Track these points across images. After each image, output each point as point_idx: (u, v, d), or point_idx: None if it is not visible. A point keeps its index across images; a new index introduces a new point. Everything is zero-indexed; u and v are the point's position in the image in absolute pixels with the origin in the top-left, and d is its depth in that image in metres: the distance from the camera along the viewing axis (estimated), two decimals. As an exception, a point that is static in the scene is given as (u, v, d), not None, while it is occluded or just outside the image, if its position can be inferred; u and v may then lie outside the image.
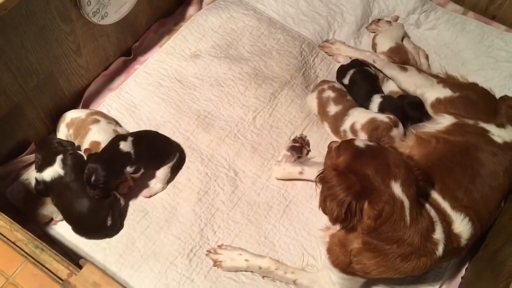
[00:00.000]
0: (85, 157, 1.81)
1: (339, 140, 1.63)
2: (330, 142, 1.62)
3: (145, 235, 1.84)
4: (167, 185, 1.94)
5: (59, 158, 1.80)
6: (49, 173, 1.78)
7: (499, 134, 1.79)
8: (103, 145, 1.82)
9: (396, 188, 1.38)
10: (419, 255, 1.47)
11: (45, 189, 1.79)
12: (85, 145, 1.84)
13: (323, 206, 1.42)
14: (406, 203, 1.39)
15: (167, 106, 2.14)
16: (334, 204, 1.37)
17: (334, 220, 1.41)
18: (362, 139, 1.51)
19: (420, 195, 1.51)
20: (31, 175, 1.88)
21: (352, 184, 1.35)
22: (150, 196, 1.92)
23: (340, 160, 1.43)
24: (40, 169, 1.81)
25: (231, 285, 1.75)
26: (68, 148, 1.86)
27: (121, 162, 1.78)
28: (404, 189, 1.38)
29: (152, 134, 1.97)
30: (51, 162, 1.79)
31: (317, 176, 1.51)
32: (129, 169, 1.80)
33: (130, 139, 1.81)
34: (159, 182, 1.92)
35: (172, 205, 1.91)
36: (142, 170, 1.86)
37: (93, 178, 1.70)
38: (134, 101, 2.16)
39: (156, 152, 1.90)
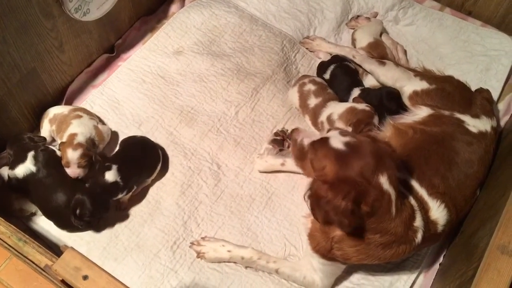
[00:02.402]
0: (59, 151, 1.83)
1: (301, 130, 1.60)
2: (292, 132, 1.59)
3: (128, 228, 1.85)
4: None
5: (30, 154, 1.80)
6: (21, 170, 1.78)
7: (474, 124, 1.84)
8: (79, 136, 1.82)
9: (384, 183, 1.39)
10: (400, 243, 1.51)
11: (18, 185, 1.79)
12: (64, 139, 1.85)
13: (327, 219, 1.39)
14: (393, 195, 1.42)
15: (151, 102, 2.16)
16: (341, 215, 1.35)
17: (348, 228, 1.40)
18: (336, 136, 1.44)
19: (400, 183, 1.54)
20: (4, 171, 1.86)
21: (348, 192, 1.34)
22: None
23: (326, 170, 1.39)
24: (12, 166, 1.80)
25: (215, 276, 1.77)
26: (40, 144, 1.86)
27: (109, 193, 1.77)
28: (390, 181, 1.40)
29: (136, 148, 1.92)
30: (22, 159, 1.79)
31: (305, 194, 1.47)
32: (121, 195, 1.80)
33: (114, 167, 1.77)
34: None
35: (156, 198, 1.93)
36: (135, 188, 1.85)
37: (78, 211, 1.70)
38: (117, 97, 2.18)
39: (144, 165, 1.88)
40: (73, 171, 1.81)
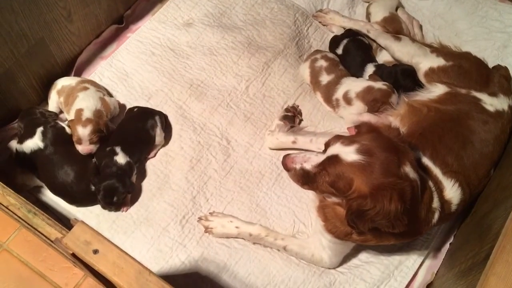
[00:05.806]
0: (68, 128, 1.82)
1: (291, 158, 1.49)
2: (284, 162, 1.50)
3: (138, 201, 1.85)
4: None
5: (39, 130, 1.78)
6: (28, 146, 1.77)
7: (491, 102, 1.79)
8: (86, 111, 1.80)
9: (410, 171, 1.36)
10: (420, 226, 1.49)
11: (25, 160, 1.78)
12: (71, 114, 1.83)
13: (377, 226, 1.36)
14: (418, 181, 1.39)
15: (160, 75, 2.13)
16: (394, 219, 1.32)
17: (403, 227, 1.36)
18: (343, 149, 1.36)
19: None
20: (12, 145, 1.85)
21: (391, 196, 1.30)
22: (155, 155, 1.94)
23: (357, 186, 1.33)
24: (20, 140, 1.80)
25: (223, 251, 1.77)
26: (49, 120, 1.84)
27: (128, 174, 1.79)
28: (413, 167, 1.37)
29: (131, 122, 1.91)
30: (31, 134, 1.78)
31: (347, 218, 1.38)
32: (135, 171, 1.83)
33: (118, 149, 1.79)
34: (157, 140, 1.92)
35: (165, 173, 1.91)
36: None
37: (115, 198, 1.74)
38: (126, 69, 2.15)
39: (141, 138, 1.88)
40: (85, 147, 1.81)
